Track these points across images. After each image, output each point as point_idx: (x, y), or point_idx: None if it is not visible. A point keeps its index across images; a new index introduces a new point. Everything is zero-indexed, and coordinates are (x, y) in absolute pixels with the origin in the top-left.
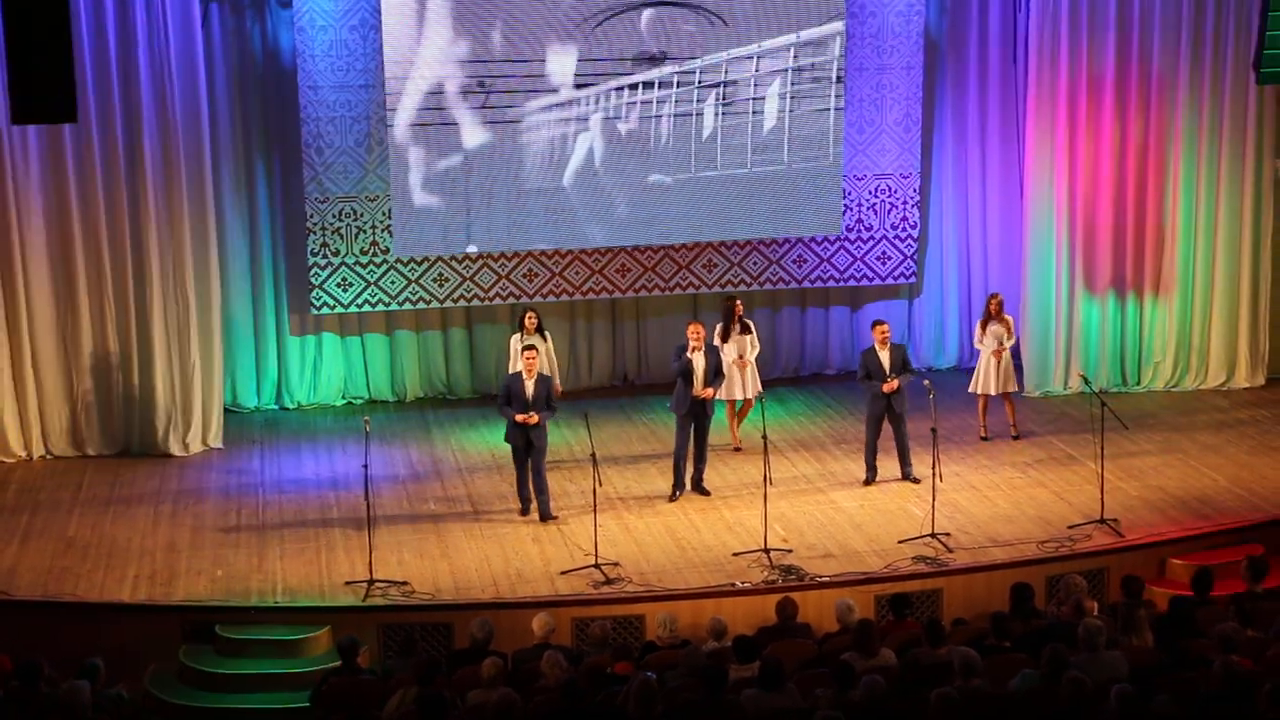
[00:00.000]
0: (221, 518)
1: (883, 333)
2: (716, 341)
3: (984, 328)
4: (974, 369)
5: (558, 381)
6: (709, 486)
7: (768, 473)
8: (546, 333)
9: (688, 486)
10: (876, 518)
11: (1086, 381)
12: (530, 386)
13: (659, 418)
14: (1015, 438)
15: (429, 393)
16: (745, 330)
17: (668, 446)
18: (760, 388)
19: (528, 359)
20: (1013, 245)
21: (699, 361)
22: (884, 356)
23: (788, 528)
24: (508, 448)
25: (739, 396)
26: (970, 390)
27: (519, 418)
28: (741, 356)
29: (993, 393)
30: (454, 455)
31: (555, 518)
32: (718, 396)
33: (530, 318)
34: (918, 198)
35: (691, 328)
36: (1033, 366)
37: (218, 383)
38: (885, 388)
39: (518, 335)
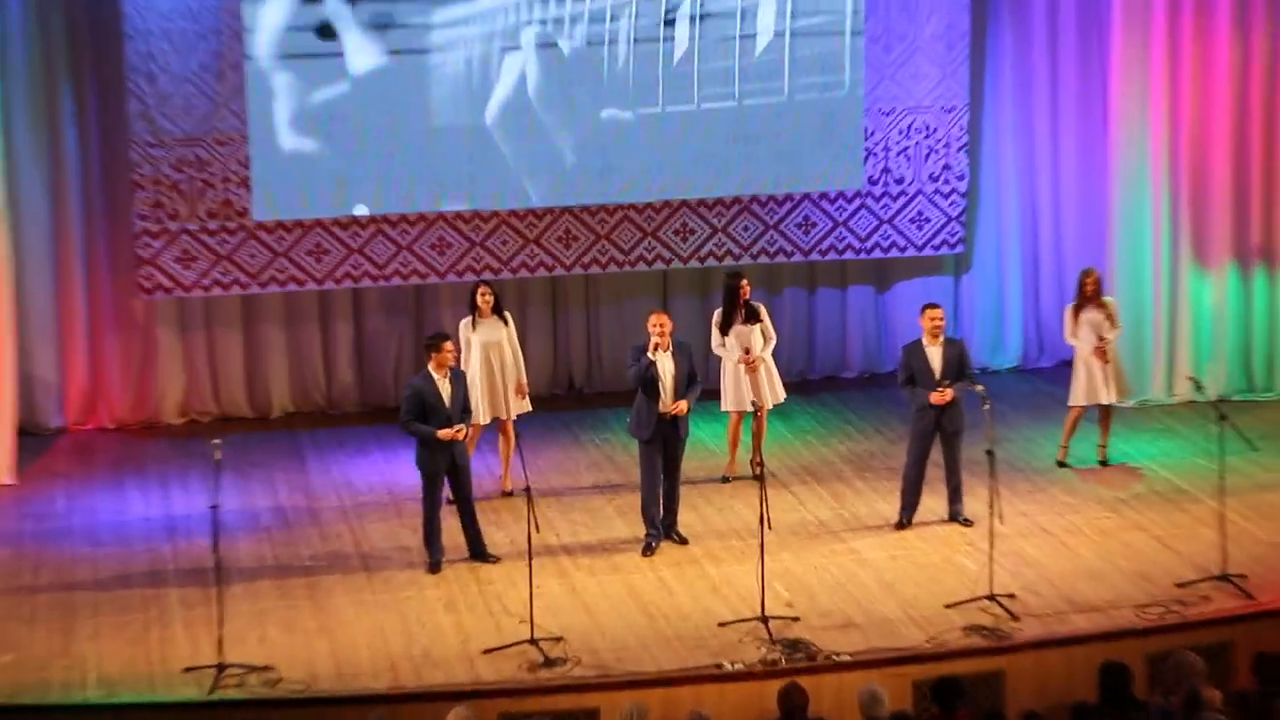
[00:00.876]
0: (11, 578)
1: (935, 321)
2: (715, 336)
3: (1077, 315)
4: (1072, 375)
5: (523, 377)
6: (686, 532)
7: (765, 513)
8: (508, 314)
9: (663, 534)
10: (914, 574)
11: (1198, 386)
12: (448, 387)
13: (617, 439)
14: (1103, 463)
15: (303, 407)
16: (753, 317)
17: (629, 478)
18: (781, 394)
19: (445, 354)
20: (1094, 202)
21: (665, 366)
22: (935, 354)
23: (793, 588)
24: (412, 481)
25: (749, 408)
26: (1072, 403)
27: (443, 434)
28: (748, 352)
29: (1105, 401)
30: (337, 492)
31: (496, 559)
32: (723, 408)
33: (484, 294)
34: (966, 139)
35: (654, 320)
36: (1124, 366)
37: (9, 396)
38: (935, 398)
39: (468, 320)
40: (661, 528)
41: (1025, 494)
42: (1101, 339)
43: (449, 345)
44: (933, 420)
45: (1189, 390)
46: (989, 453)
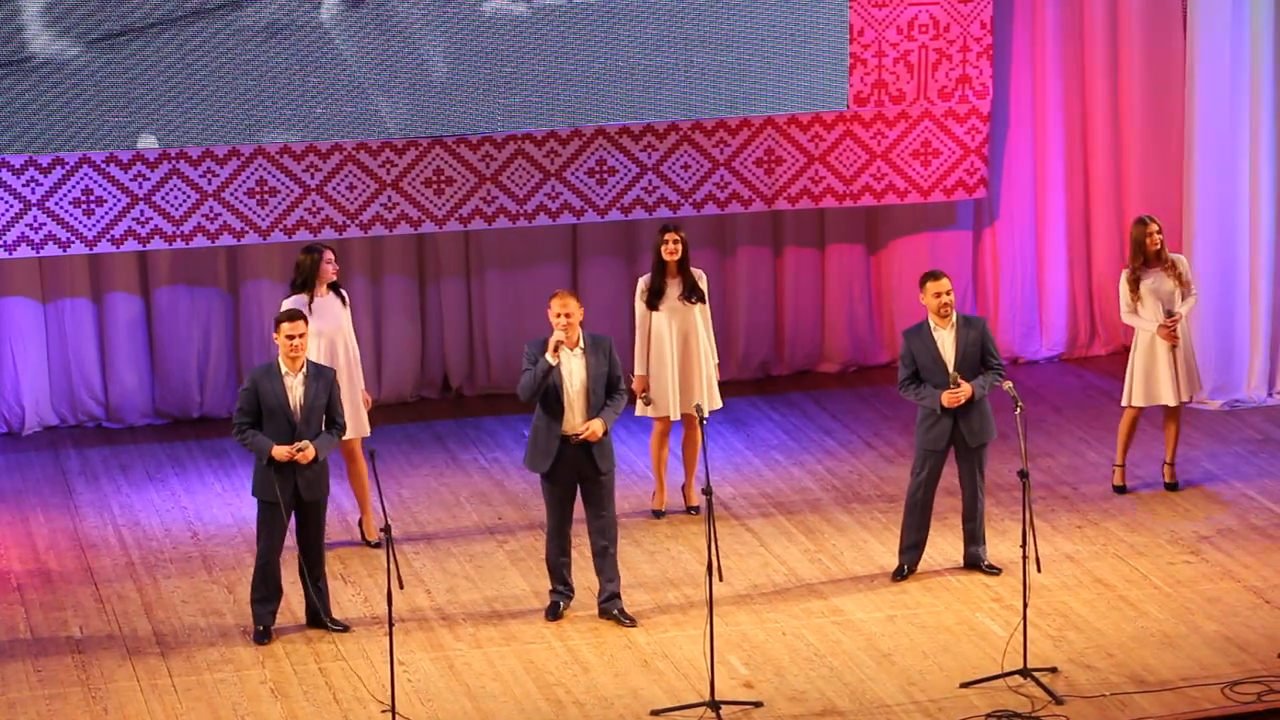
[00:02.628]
0: None
1: (942, 297)
2: (640, 311)
3: (1135, 284)
4: (1128, 364)
5: (361, 382)
6: (631, 609)
7: (715, 561)
8: (344, 292)
9: (607, 607)
10: (919, 641)
11: None
12: (298, 388)
13: (511, 458)
14: (1172, 486)
15: (67, 419)
16: (694, 293)
17: (529, 513)
18: (717, 399)
19: (289, 338)
20: (1168, 131)
21: (572, 369)
22: (946, 341)
23: (754, 662)
24: (224, 520)
25: (677, 414)
26: (1126, 403)
27: (281, 451)
28: (686, 341)
29: (1171, 401)
30: (119, 536)
31: (345, 628)
32: (649, 412)
33: (328, 261)
34: (990, 39)
35: (556, 305)
36: (1206, 357)
37: None
38: (948, 399)
39: (296, 298)
40: (597, 605)
41: (1071, 530)
42: (1170, 314)
43: (291, 329)
44: (946, 431)
45: None
46: (1022, 474)
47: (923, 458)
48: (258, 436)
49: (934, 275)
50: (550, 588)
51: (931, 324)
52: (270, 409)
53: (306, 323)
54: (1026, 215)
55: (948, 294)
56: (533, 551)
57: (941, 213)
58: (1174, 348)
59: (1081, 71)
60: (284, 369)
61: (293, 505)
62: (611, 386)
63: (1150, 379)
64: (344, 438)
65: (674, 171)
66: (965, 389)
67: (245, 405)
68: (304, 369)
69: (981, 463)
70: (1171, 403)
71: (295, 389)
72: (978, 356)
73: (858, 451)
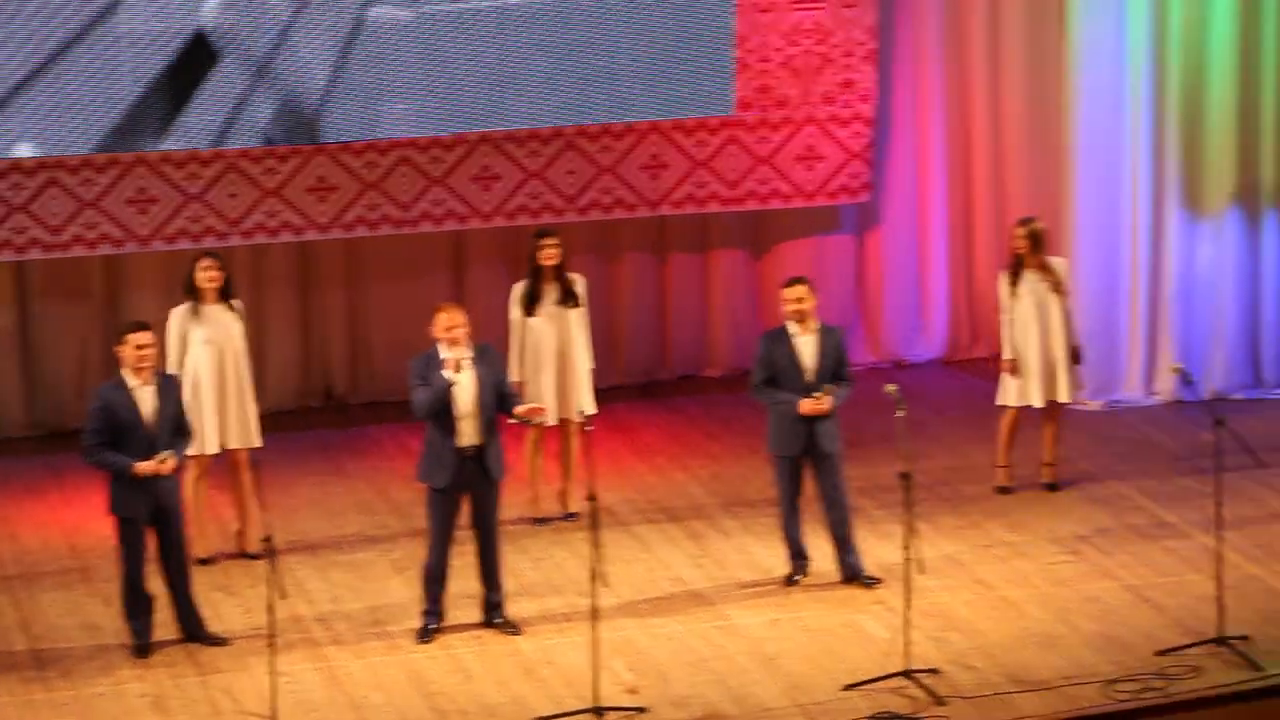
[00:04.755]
0: None
1: (795, 305)
2: (514, 315)
3: (1014, 282)
4: (1001, 367)
5: (251, 392)
6: (515, 616)
7: (598, 566)
8: (237, 301)
9: (488, 616)
10: (804, 645)
11: (1186, 379)
12: (149, 400)
13: (394, 467)
14: (1052, 487)
15: None
16: (570, 299)
17: (411, 522)
18: (591, 403)
19: (137, 349)
20: (1048, 134)
21: (464, 381)
22: (806, 346)
23: (639, 668)
24: (103, 530)
25: (555, 419)
26: (1003, 402)
27: (144, 466)
28: (564, 347)
29: (1037, 403)
30: None
31: (224, 641)
32: (516, 414)
33: (207, 269)
34: (874, 44)
35: (443, 321)
36: (1086, 355)
37: None
38: (805, 408)
39: (184, 309)
40: (481, 613)
41: (953, 532)
42: (1044, 311)
43: (141, 339)
44: (800, 436)
45: (1175, 386)
46: (903, 476)
47: (779, 465)
48: (111, 455)
49: (794, 281)
50: (427, 608)
51: (791, 329)
52: (124, 424)
53: (153, 332)
54: (908, 219)
55: (804, 302)
56: (417, 561)
57: (825, 217)
58: (1047, 349)
59: (963, 75)
60: (131, 381)
61: (152, 518)
62: (502, 397)
63: (1025, 380)
64: (231, 447)
65: (558, 177)
66: (823, 399)
67: (98, 424)
68: (153, 379)
69: (837, 470)
70: (1038, 403)
71: (146, 400)
72: (833, 366)
73: (742, 456)
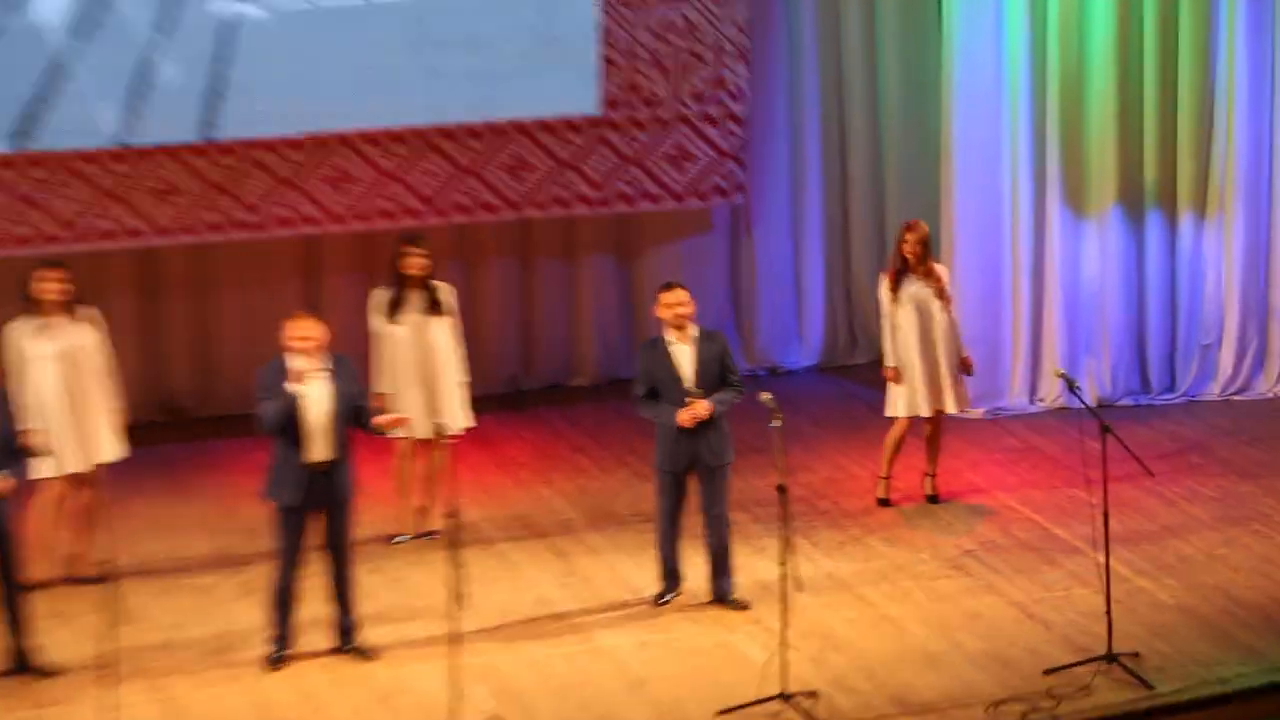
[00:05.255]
0: None
1: (676, 309)
2: (377, 324)
3: (895, 288)
4: (885, 375)
5: (105, 404)
6: (366, 643)
7: (459, 586)
8: (89, 309)
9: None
10: (675, 668)
11: (1071, 386)
12: None
13: (242, 485)
14: (934, 499)
15: None
16: (434, 307)
17: (261, 546)
18: (469, 416)
19: None
20: (924, 138)
21: (317, 395)
22: (684, 355)
23: (502, 694)
24: None
25: (424, 433)
26: (890, 413)
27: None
28: (430, 357)
29: (925, 413)
30: None
31: (55, 672)
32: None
33: (46, 281)
34: (747, 41)
35: (295, 331)
36: (974, 367)
37: None
38: (684, 418)
39: (22, 323)
40: (332, 637)
41: (833, 547)
42: (926, 318)
43: None
44: (686, 451)
45: (1057, 392)
46: (780, 489)
47: (662, 480)
48: None
49: (670, 285)
50: (274, 633)
51: (668, 337)
52: None
53: None
54: (783, 220)
55: (685, 307)
56: (264, 583)
57: (697, 219)
58: (932, 359)
59: (840, 74)
60: None
61: None
62: (357, 411)
63: (914, 389)
64: (75, 470)
65: (417, 179)
66: (701, 406)
67: None
68: None
69: (723, 486)
70: (926, 413)
71: None
72: (717, 372)
73: (610, 469)
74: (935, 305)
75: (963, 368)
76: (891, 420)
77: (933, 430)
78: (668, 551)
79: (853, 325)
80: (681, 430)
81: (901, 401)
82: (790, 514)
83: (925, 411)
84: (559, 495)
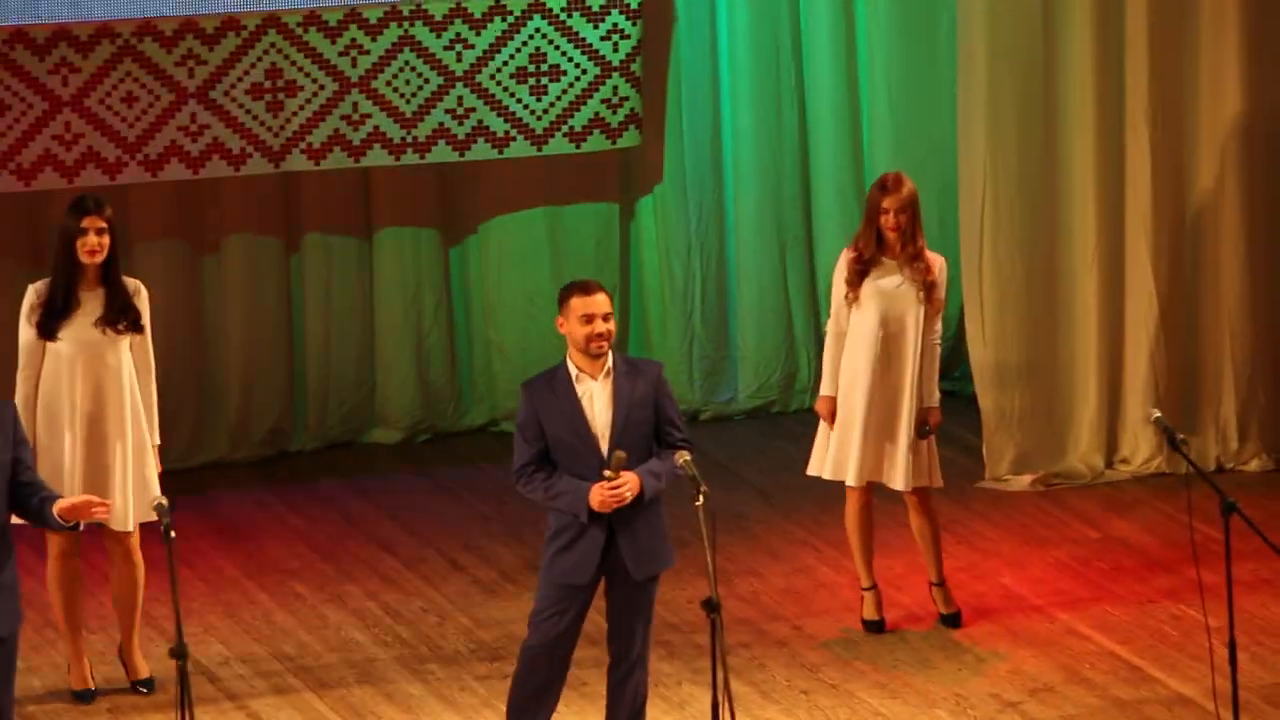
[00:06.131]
0: None
1: (597, 322)
2: (28, 338)
3: (858, 277)
4: (819, 414)
5: None
6: None
7: None
8: None
9: None
10: None
11: (1173, 440)
12: None
13: None
14: (952, 620)
15: None
16: (121, 315)
17: None
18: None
19: None
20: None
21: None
22: (596, 397)
23: None
24: None
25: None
26: (811, 472)
27: None
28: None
29: (849, 481)
30: None
31: None
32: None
33: None
34: None
35: None
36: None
37: None
38: (600, 498)
39: None
40: None
41: (794, 698)
42: (901, 336)
43: None
44: (596, 552)
45: (1151, 451)
46: (709, 605)
47: (556, 597)
48: None
49: (581, 286)
50: None
51: (573, 369)
52: None
53: None
54: (693, 182)
55: (604, 320)
56: None
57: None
58: (893, 399)
59: None
60: None
61: None
62: (22, 487)
63: (840, 440)
64: None
65: None
66: (629, 480)
67: None
68: None
69: (648, 607)
70: (851, 481)
71: None
72: (649, 426)
73: (438, 577)
74: (912, 315)
75: (919, 425)
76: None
77: (914, 511)
78: (543, 703)
79: (821, 346)
80: (592, 518)
81: (829, 457)
82: (725, 646)
83: (850, 479)
84: (354, 618)
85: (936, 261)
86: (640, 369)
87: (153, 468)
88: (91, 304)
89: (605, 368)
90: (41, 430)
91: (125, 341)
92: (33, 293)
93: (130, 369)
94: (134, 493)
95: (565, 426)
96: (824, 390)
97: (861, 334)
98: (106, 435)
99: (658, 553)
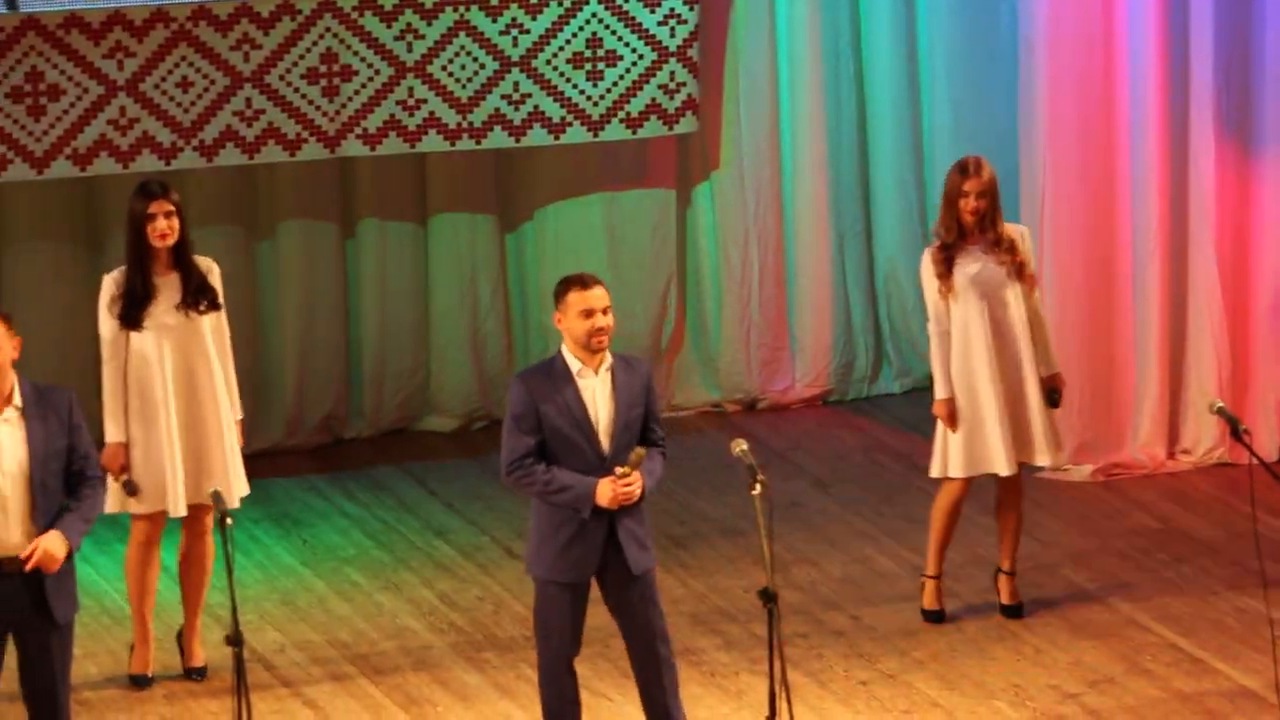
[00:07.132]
0: None
1: (598, 316)
2: (108, 331)
3: (946, 269)
4: (938, 416)
5: None
6: None
7: None
8: None
9: None
10: None
11: (1236, 430)
12: None
13: None
14: (1014, 611)
15: None
16: (200, 297)
17: None
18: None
19: None
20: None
21: (6, 452)
22: (596, 392)
23: None
24: None
25: (178, 508)
26: (936, 473)
27: None
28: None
29: (1000, 471)
30: None
31: None
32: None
33: None
34: None
35: None
36: (1070, 397)
37: None
38: (611, 494)
39: None
40: None
41: (853, 690)
42: (1003, 321)
43: None
44: (597, 549)
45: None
46: (765, 595)
47: (552, 596)
48: None
49: (579, 281)
50: None
51: (573, 363)
52: None
53: None
54: (742, 175)
55: (604, 314)
56: None
57: (632, 162)
58: (1007, 380)
59: None
60: None
61: None
62: (79, 472)
63: (974, 434)
64: None
65: None
66: (637, 480)
67: None
68: None
69: (655, 594)
70: (1004, 471)
71: None
72: (641, 422)
73: (494, 565)
74: (1011, 291)
75: (1047, 394)
76: (938, 483)
77: (1008, 498)
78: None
79: (879, 335)
80: (594, 515)
81: (958, 454)
82: (782, 636)
83: (1001, 468)
84: (410, 608)
85: (1019, 232)
86: (633, 365)
87: (237, 444)
88: (168, 288)
89: (605, 362)
90: (134, 422)
91: (207, 321)
92: (111, 284)
93: (213, 348)
94: (233, 470)
95: (566, 419)
96: (940, 394)
97: (967, 325)
98: (203, 417)
99: (649, 547)
